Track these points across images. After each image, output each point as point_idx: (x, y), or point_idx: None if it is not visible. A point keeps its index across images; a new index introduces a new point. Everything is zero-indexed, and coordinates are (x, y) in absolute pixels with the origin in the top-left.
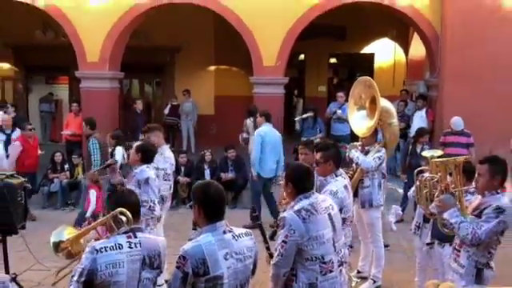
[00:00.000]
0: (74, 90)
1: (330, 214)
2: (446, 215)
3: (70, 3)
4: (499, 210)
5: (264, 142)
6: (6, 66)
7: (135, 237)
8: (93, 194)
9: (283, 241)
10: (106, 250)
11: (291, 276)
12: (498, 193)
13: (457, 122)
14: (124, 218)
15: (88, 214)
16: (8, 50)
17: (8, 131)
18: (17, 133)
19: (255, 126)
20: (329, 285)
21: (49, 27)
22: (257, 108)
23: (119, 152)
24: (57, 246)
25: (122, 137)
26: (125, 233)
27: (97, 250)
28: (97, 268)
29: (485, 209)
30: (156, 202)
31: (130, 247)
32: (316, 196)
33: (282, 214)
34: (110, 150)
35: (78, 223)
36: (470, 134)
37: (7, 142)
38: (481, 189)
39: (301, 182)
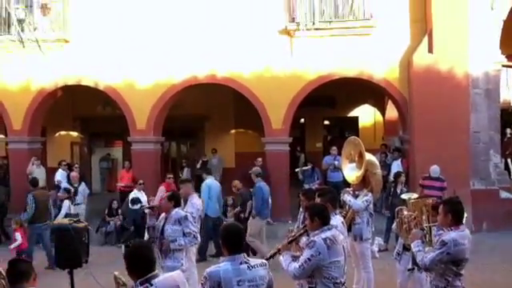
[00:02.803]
0: (126, 151)
1: (343, 246)
2: (412, 245)
3: (123, 85)
4: (443, 243)
5: (210, 190)
6: (74, 133)
7: (151, 285)
8: (18, 235)
9: (308, 258)
10: None
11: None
12: (451, 229)
13: (435, 169)
14: (120, 282)
15: (12, 246)
16: (76, 121)
17: (76, 185)
18: (82, 186)
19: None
20: None
21: (107, 103)
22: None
23: (65, 204)
24: None
25: (71, 191)
26: (141, 284)
27: None
28: None
29: (438, 241)
30: (197, 232)
31: None
32: (335, 230)
33: (311, 238)
34: (58, 202)
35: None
36: (443, 179)
37: (75, 193)
38: (440, 224)
39: (326, 217)
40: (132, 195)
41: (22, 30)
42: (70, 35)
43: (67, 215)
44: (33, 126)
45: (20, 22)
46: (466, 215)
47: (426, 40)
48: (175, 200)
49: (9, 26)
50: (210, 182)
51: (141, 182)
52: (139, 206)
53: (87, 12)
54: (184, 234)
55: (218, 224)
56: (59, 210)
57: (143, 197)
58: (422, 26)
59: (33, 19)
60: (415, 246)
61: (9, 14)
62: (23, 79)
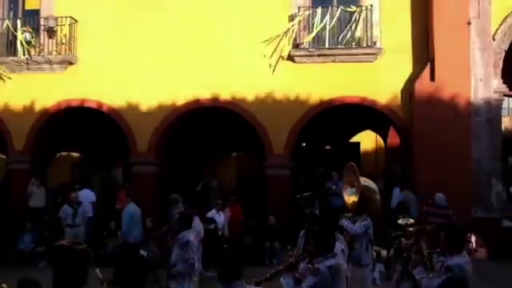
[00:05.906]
0: (127, 172)
1: (346, 276)
2: (414, 272)
3: (126, 107)
4: (448, 268)
5: (132, 216)
6: (75, 154)
7: None
8: None
9: (311, 286)
10: None
11: None
12: (452, 254)
13: (440, 198)
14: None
15: None
16: (78, 142)
17: (75, 206)
18: (82, 207)
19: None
20: None
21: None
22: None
23: None
24: None
25: None
26: None
27: None
28: None
29: (442, 267)
30: (196, 259)
31: None
32: (339, 257)
33: (316, 265)
34: None
35: None
36: (448, 207)
37: (74, 215)
38: (442, 251)
39: (331, 244)
40: (209, 215)
41: (29, 52)
42: (74, 57)
43: None
44: (34, 146)
45: (27, 44)
46: (474, 241)
47: (428, 68)
48: (184, 222)
49: (14, 48)
50: (132, 208)
51: (218, 201)
52: (213, 226)
53: (92, 35)
54: (184, 260)
55: None
56: None
57: (220, 217)
58: (425, 54)
59: (39, 41)
60: (418, 273)
61: (15, 36)
62: (27, 100)
